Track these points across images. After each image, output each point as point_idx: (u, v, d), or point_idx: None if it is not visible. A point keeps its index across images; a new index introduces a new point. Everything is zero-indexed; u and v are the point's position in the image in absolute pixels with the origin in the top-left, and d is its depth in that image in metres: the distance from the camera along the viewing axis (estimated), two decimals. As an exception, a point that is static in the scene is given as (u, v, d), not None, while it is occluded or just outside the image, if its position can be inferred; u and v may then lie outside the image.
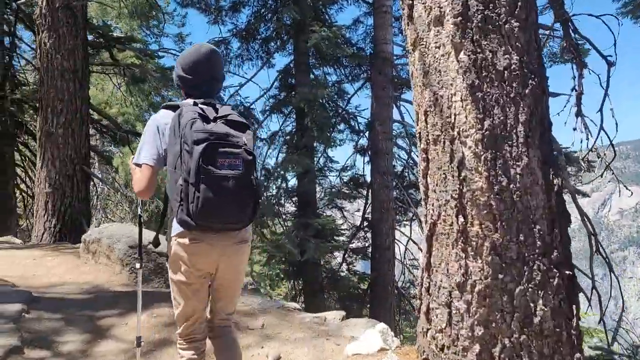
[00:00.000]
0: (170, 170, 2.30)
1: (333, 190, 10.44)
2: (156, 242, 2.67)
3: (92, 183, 11.08)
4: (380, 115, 10.33)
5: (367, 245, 11.14)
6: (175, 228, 2.35)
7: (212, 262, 2.39)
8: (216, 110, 2.36)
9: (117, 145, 12.40)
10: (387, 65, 10.29)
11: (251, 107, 12.70)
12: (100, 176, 13.45)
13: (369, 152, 11.99)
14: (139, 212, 2.92)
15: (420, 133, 2.85)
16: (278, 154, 12.32)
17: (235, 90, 12.47)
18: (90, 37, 11.40)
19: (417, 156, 11.92)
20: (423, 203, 2.97)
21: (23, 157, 13.30)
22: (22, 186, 13.21)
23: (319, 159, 11.93)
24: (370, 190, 10.87)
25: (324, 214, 11.25)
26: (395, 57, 10.96)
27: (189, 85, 2.54)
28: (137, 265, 2.96)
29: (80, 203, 9.66)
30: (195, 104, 2.37)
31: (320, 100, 10.27)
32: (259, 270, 11.05)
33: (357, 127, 12.49)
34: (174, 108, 2.42)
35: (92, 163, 14.38)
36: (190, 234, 2.30)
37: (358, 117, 12.25)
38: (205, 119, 2.27)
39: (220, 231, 2.33)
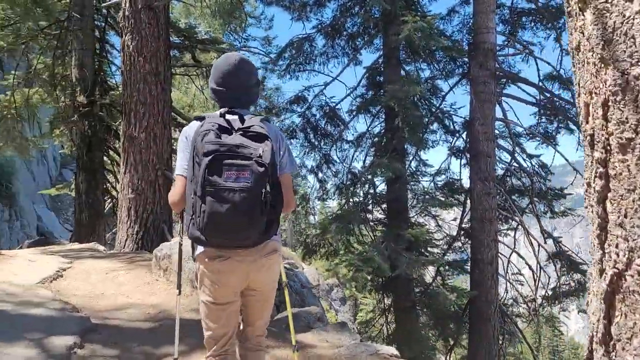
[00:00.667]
0: (188, 183, 2.28)
1: (427, 197, 9.42)
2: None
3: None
4: (482, 113, 9.18)
5: (464, 258, 10.01)
6: (199, 246, 2.34)
7: (242, 279, 2.35)
8: (242, 121, 2.32)
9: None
10: (489, 57, 9.13)
11: (337, 107, 11.98)
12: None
13: (467, 155, 10.86)
14: (179, 240, 2.67)
15: (592, 135, 1.89)
16: (365, 157, 11.49)
17: (319, 90, 11.80)
18: (177, 40, 11.23)
19: (523, 159, 10.68)
20: (595, 240, 1.99)
21: (113, 162, 13.42)
22: (113, 192, 13.32)
23: (410, 163, 10.94)
24: (469, 197, 9.74)
25: (416, 223, 10.25)
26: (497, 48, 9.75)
27: (221, 97, 2.49)
28: (177, 292, 2.89)
29: (162, 209, 9.36)
30: (222, 115, 2.34)
31: (412, 98, 9.30)
32: (345, 273, 10.26)
33: (452, 127, 11.38)
34: (203, 119, 2.36)
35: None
36: (215, 251, 2.28)
37: (453, 116, 11.15)
38: (225, 130, 2.23)
39: (235, 248, 2.28)
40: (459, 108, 11.09)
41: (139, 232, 9.11)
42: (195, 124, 2.40)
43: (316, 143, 12.27)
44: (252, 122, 2.31)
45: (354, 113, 11.49)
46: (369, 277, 9.29)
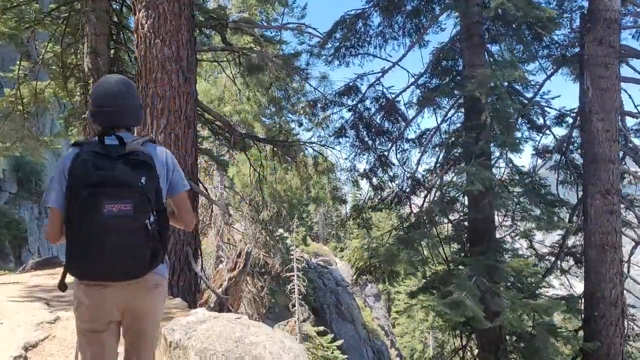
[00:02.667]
0: (65, 216, 2.17)
1: (524, 214, 7.20)
2: (63, 286, 2.25)
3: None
4: (601, 105, 6.93)
5: (573, 294, 7.74)
6: None
7: (117, 309, 2.24)
8: (123, 146, 2.18)
9: (233, 150, 10.06)
10: (613, 29, 6.86)
11: (397, 99, 9.82)
12: (215, 193, 11.29)
13: (557, 156, 8.66)
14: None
15: None
16: (437, 160, 9.26)
17: (376, 79, 9.66)
18: (203, 20, 9.26)
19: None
20: None
21: None
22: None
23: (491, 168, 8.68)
24: (582, 215, 7.50)
25: (502, 244, 8.03)
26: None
27: (101, 118, 2.31)
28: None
29: (185, 231, 7.46)
30: (100, 140, 2.21)
31: (507, 87, 7.09)
32: (422, 318, 8.11)
33: (540, 122, 9.13)
34: (81, 146, 2.26)
35: (209, 171, 12.34)
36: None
37: (545, 109, 8.87)
38: (104, 157, 2.13)
39: (114, 280, 2.17)
40: (551, 98, 8.85)
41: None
42: (73, 151, 2.25)
43: (370, 142, 10.17)
44: (133, 146, 2.20)
45: (417, 107, 9.34)
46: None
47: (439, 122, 9.19)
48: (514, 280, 7.20)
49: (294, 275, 22.50)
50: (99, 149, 2.15)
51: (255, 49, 8.13)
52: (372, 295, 43.05)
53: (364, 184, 10.55)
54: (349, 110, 10.22)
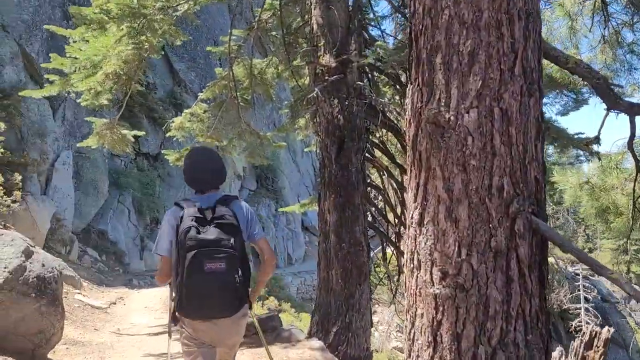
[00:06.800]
0: (174, 267, 2.85)
1: None
2: (176, 320, 2.92)
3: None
4: None
5: None
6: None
7: (216, 338, 2.91)
8: (213, 211, 2.86)
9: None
10: None
11: None
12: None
13: None
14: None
15: None
16: None
17: None
18: None
19: None
20: None
21: (384, 173, 7.54)
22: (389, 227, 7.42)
23: None
24: None
25: None
26: None
27: (193, 182, 3.08)
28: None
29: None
30: (200, 209, 2.85)
31: None
32: None
33: None
34: (182, 209, 2.89)
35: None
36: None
37: None
38: (201, 221, 2.80)
39: (215, 319, 2.84)
40: None
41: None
42: (177, 210, 2.90)
43: None
44: (222, 211, 2.86)
45: None
46: None
47: None
48: None
49: (580, 309, 16.48)
50: (197, 213, 2.80)
51: None
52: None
53: None
54: None
